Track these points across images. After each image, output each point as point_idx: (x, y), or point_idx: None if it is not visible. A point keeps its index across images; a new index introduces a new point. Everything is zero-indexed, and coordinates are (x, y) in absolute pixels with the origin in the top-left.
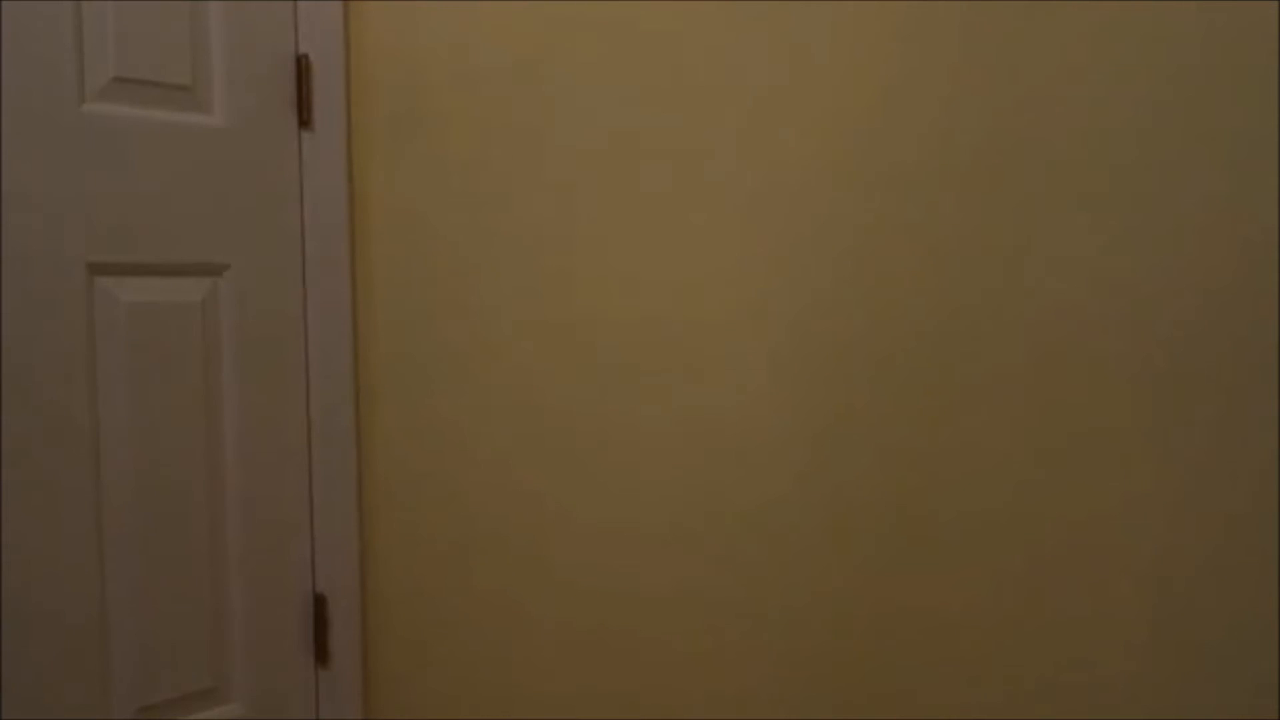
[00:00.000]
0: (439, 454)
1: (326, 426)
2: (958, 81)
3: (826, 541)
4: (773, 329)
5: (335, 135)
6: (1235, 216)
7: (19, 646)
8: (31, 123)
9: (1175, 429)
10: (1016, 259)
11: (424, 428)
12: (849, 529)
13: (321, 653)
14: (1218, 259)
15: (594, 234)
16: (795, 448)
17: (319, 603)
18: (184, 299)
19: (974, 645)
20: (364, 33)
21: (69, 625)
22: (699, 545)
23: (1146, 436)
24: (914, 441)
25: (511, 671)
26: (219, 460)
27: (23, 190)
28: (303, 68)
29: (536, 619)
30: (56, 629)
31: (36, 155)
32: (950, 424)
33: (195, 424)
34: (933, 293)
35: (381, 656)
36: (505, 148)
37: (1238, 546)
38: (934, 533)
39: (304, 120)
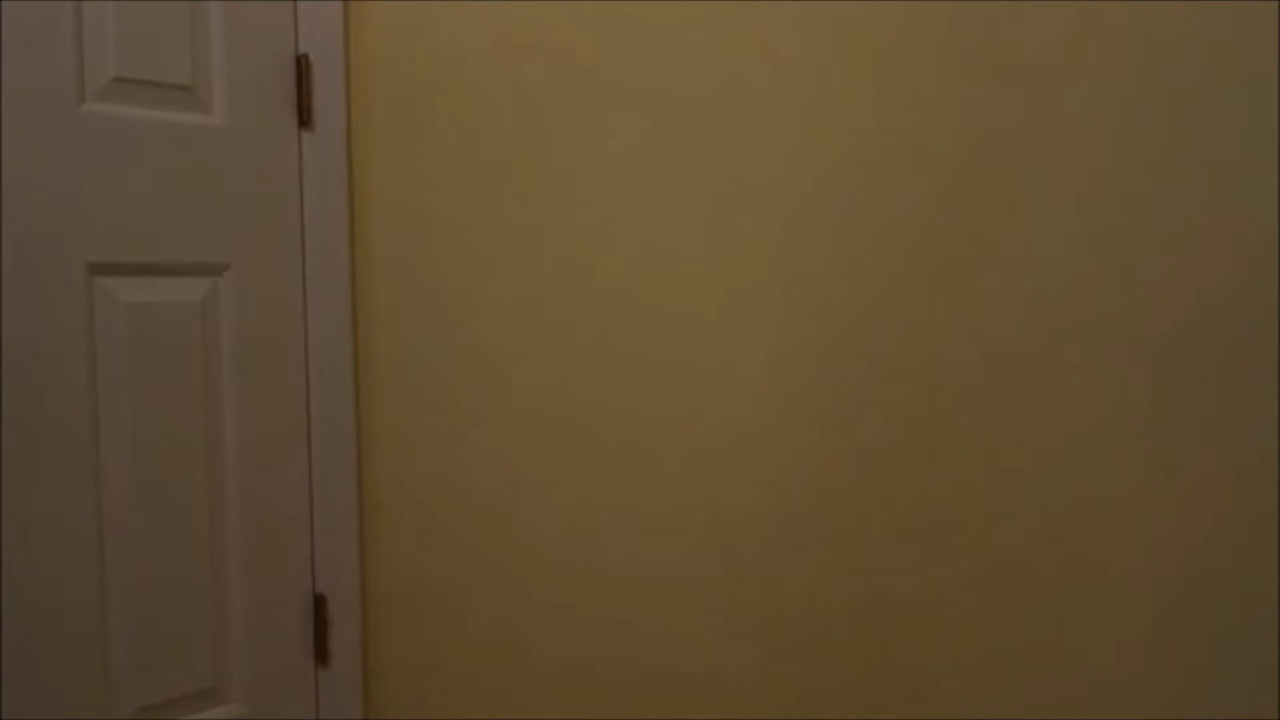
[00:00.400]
0: (439, 454)
1: (326, 426)
2: (951, 79)
3: (824, 535)
4: (770, 325)
5: (335, 135)
6: (1230, 213)
7: (19, 646)
8: (31, 122)
9: (1170, 425)
10: (1009, 255)
11: (424, 427)
12: (844, 522)
13: (321, 653)
14: (1213, 256)
15: (594, 233)
16: (792, 441)
17: (319, 603)
18: (184, 299)
19: (969, 643)
20: (364, 33)
21: (69, 625)
22: (698, 536)
23: (1141, 433)
24: (907, 436)
25: (512, 672)
26: (219, 460)
27: (23, 190)
28: (303, 68)
29: (538, 619)
30: (56, 629)
31: (37, 155)
32: (943, 419)
33: (195, 424)
34: (925, 288)
35: (381, 656)
36: (505, 147)
37: (1236, 543)
38: (927, 529)
39: (304, 120)
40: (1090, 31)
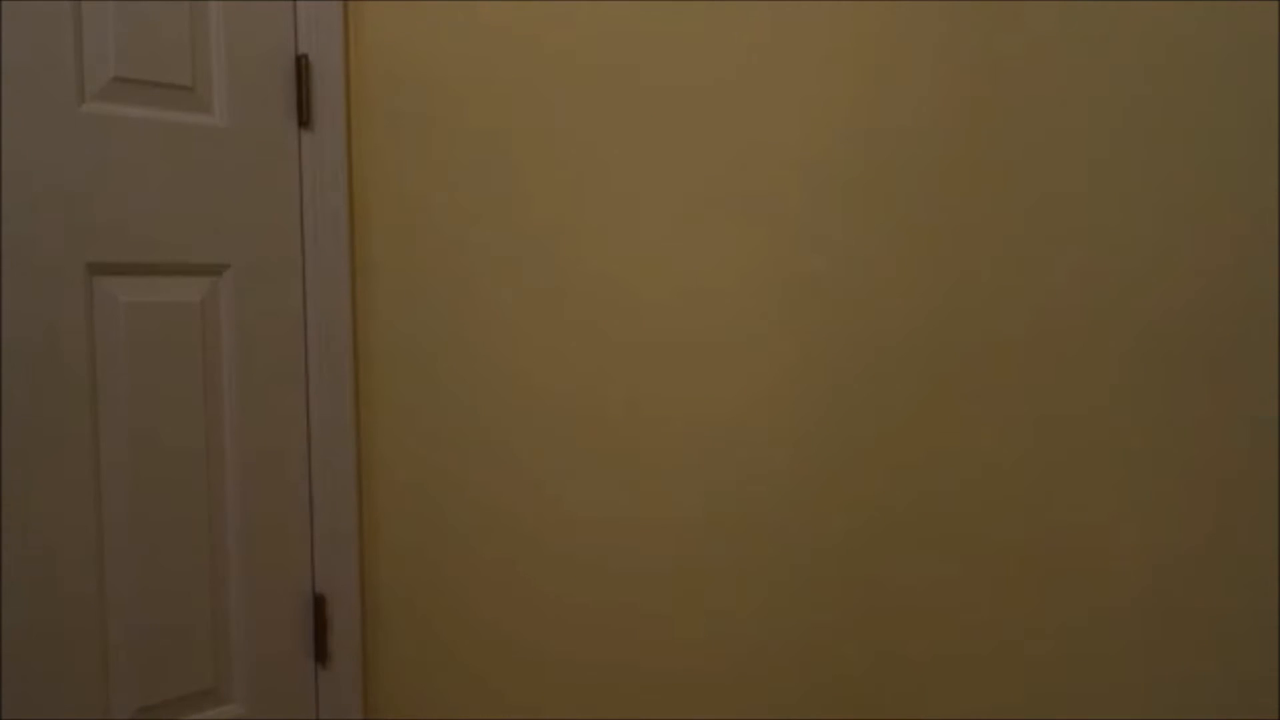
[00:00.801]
0: (439, 454)
1: (326, 425)
2: (951, 77)
3: (825, 531)
4: (772, 323)
5: (335, 135)
6: (1230, 211)
7: (19, 646)
8: (31, 122)
9: (1170, 424)
10: (1009, 253)
11: (424, 427)
12: (844, 518)
13: (321, 653)
14: (1213, 254)
15: (595, 231)
16: (793, 437)
17: (319, 603)
18: (184, 299)
19: (969, 640)
20: (364, 33)
21: (69, 625)
22: (700, 531)
23: (1141, 431)
24: (907, 432)
25: (514, 669)
26: (219, 460)
27: (23, 190)
28: (303, 68)
29: (540, 615)
30: (56, 629)
31: (37, 155)
32: (943, 415)
33: (195, 424)
34: (926, 286)
35: (381, 656)
36: (505, 146)
37: (1236, 542)
38: (927, 525)
39: (304, 120)
40: (1091, 30)
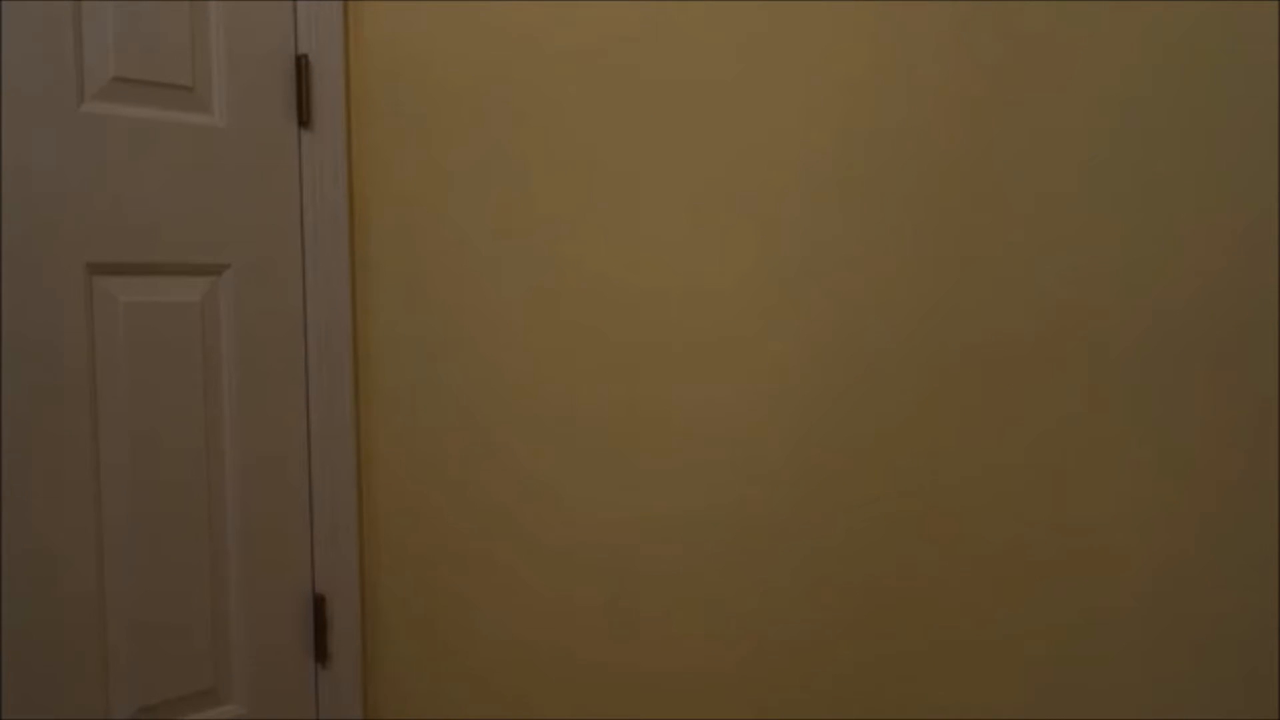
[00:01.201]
0: (439, 453)
1: (326, 425)
2: (951, 76)
3: (825, 529)
4: (773, 321)
5: (335, 135)
6: (1230, 211)
7: (19, 646)
8: (31, 122)
9: (1170, 422)
10: (1009, 252)
11: (424, 427)
12: (844, 517)
13: (321, 653)
14: (1213, 253)
15: (595, 230)
16: (793, 435)
17: (319, 603)
18: (184, 299)
19: (968, 640)
20: (364, 33)
21: (69, 625)
22: (699, 529)
23: (1141, 430)
24: (907, 431)
25: (512, 671)
26: (219, 460)
27: (22, 190)
28: (303, 68)
29: (538, 619)
30: (57, 628)
31: (36, 155)
32: (942, 414)
33: (195, 424)
34: (926, 284)
35: (381, 656)
36: (505, 146)
37: (1236, 541)
38: (926, 524)
39: (304, 120)
40: (1089, 30)
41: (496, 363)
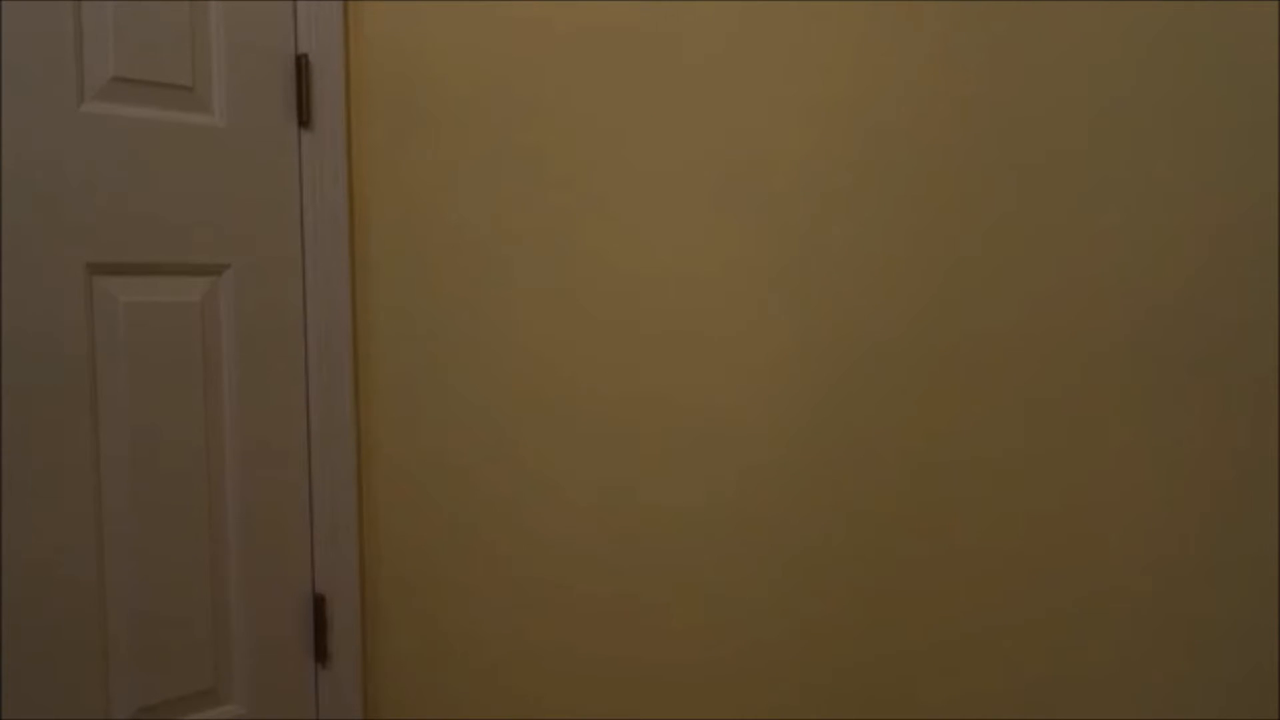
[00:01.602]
0: (439, 455)
1: (326, 426)
2: (952, 75)
3: (825, 524)
4: (775, 314)
5: (335, 135)
6: (1230, 210)
7: (19, 646)
8: (31, 122)
9: (1170, 421)
10: (1010, 251)
11: (424, 425)
12: (844, 511)
13: (321, 653)
14: (1213, 252)
15: (594, 229)
16: (794, 428)
17: (319, 603)
18: (184, 299)
19: (967, 636)
20: (364, 33)
21: (69, 626)
22: (700, 523)
23: (1141, 429)
24: (908, 426)
25: (511, 671)
26: (219, 460)
27: (22, 190)
28: (303, 68)
29: (540, 613)
30: (56, 628)
31: (36, 155)
32: (944, 409)
33: (195, 424)
34: (919, 283)
35: (381, 656)
36: (505, 146)
37: (1236, 541)
38: (927, 519)
39: (304, 120)
40: (1084, 29)
41: (499, 358)
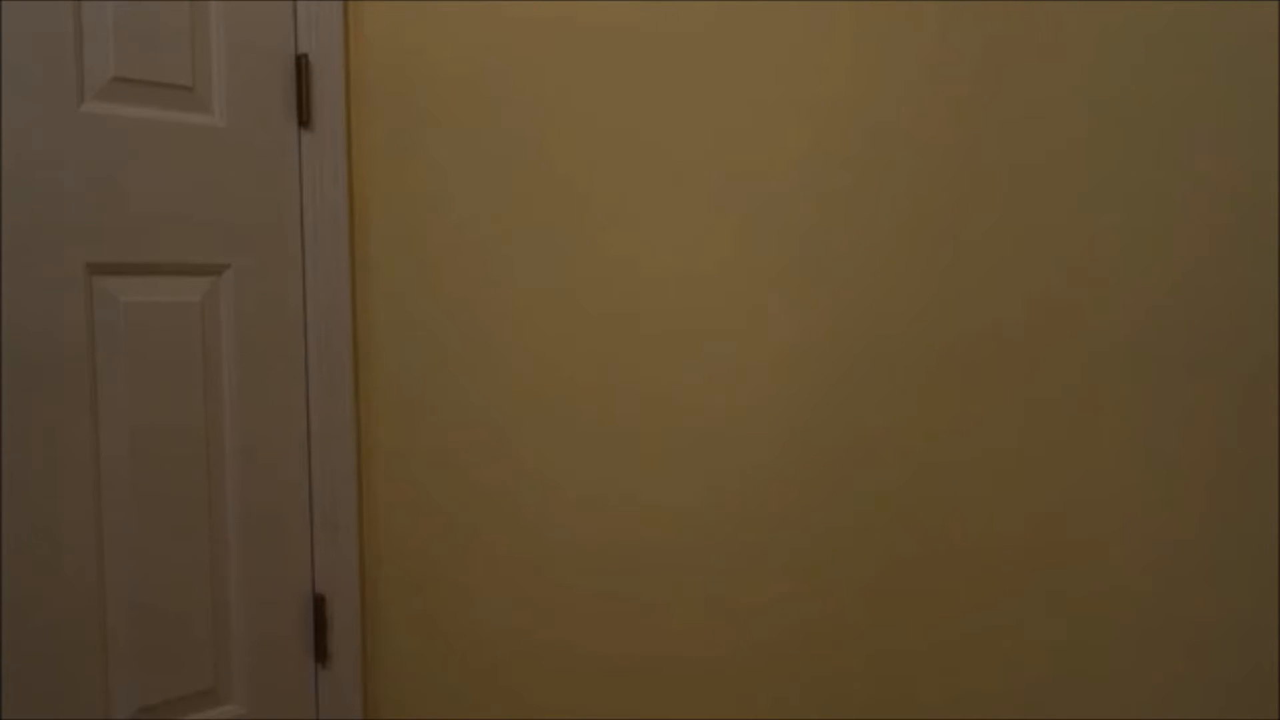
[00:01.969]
0: (439, 454)
1: (326, 425)
2: (942, 75)
3: (824, 522)
4: (775, 312)
5: (335, 135)
6: (1230, 210)
7: (19, 647)
8: (31, 122)
9: (1170, 421)
10: (1010, 250)
11: (425, 425)
12: (841, 509)
13: (321, 653)
14: (1213, 253)
15: (593, 230)
16: (793, 426)
17: (319, 603)
18: (184, 299)
19: (967, 636)
20: (364, 33)
21: (69, 625)
22: (700, 520)
23: (1141, 429)
24: (907, 425)
25: (512, 671)
26: (218, 460)
27: (22, 190)
28: (303, 68)
29: (538, 619)
30: (56, 629)
31: (36, 155)
32: (943, 408)
33: (195, 424)
34: (917, 280)
35: (381, 656)
36: (505, 147)
37: (1236, 541)
38: (926, 518)
39: (304, 120)
40: (1080, 29)
41: (499, 357)
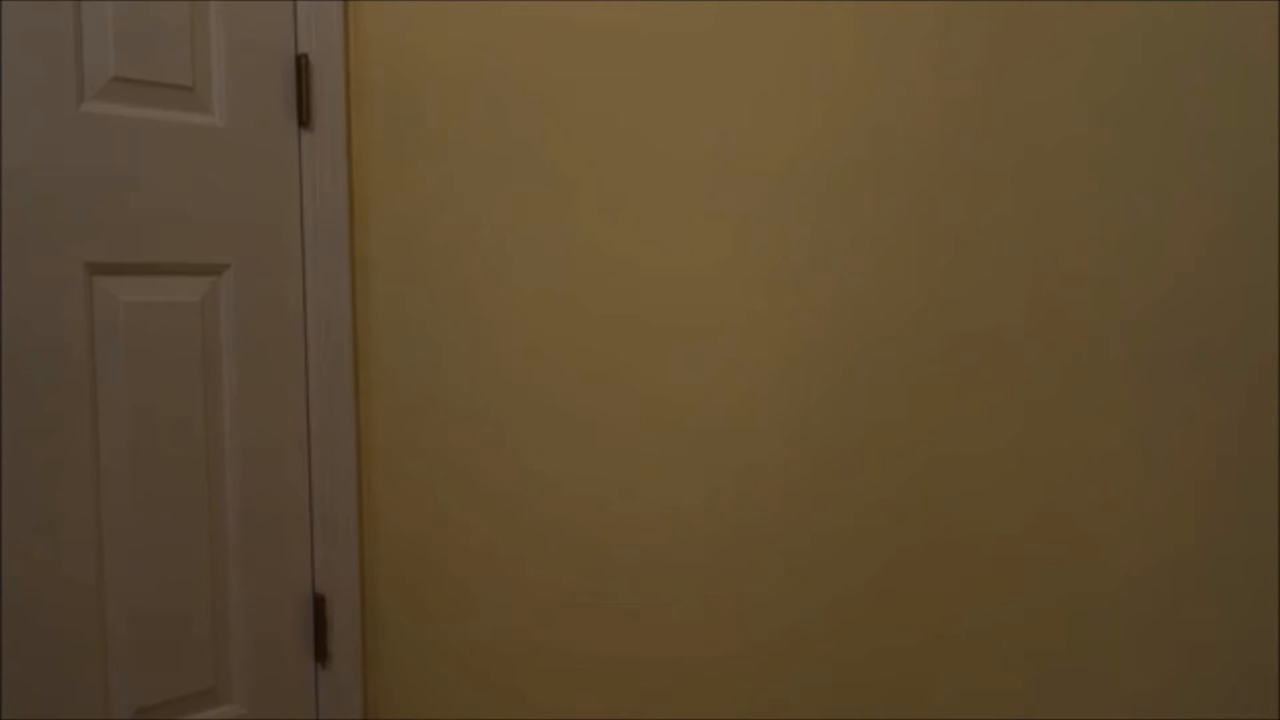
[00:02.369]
0: (439, 454)
1: (326, 426)
2: (939, 76)
3: (823, 521)
4: (775, 311)
5: (335, 135)
6: (1229, 211)
7: (18, 647)
8: (31, 122)
9: (1170, 421)
10: (1010, 251)
11: (425, 424)
12: (838, 509)
13: (321, 653)
14: (1213, 254)
15: (593, 230)
16: (793, 425)
17: (319, 603)
18: (184, 299)
19: (966, 635)
20: (364, 33)
21: (68, 625)
22: (699, 519)
23: (1141, 429)
24: (907, 424)
25: (512, 671)
26: (218, 461)
27: (22, 190)
28: (303, 68)
29: (538, 619)
30: (56, 629)
31: (36, 155)
32: (943, 406)
33: (195, 423)
34: (914, 282)
35: (381, 656)
36: (505, 146)
37: (1236, 541)
38: (925, 517)
39: (304, 120)
40: (1076, 29)
41: (499, 357)
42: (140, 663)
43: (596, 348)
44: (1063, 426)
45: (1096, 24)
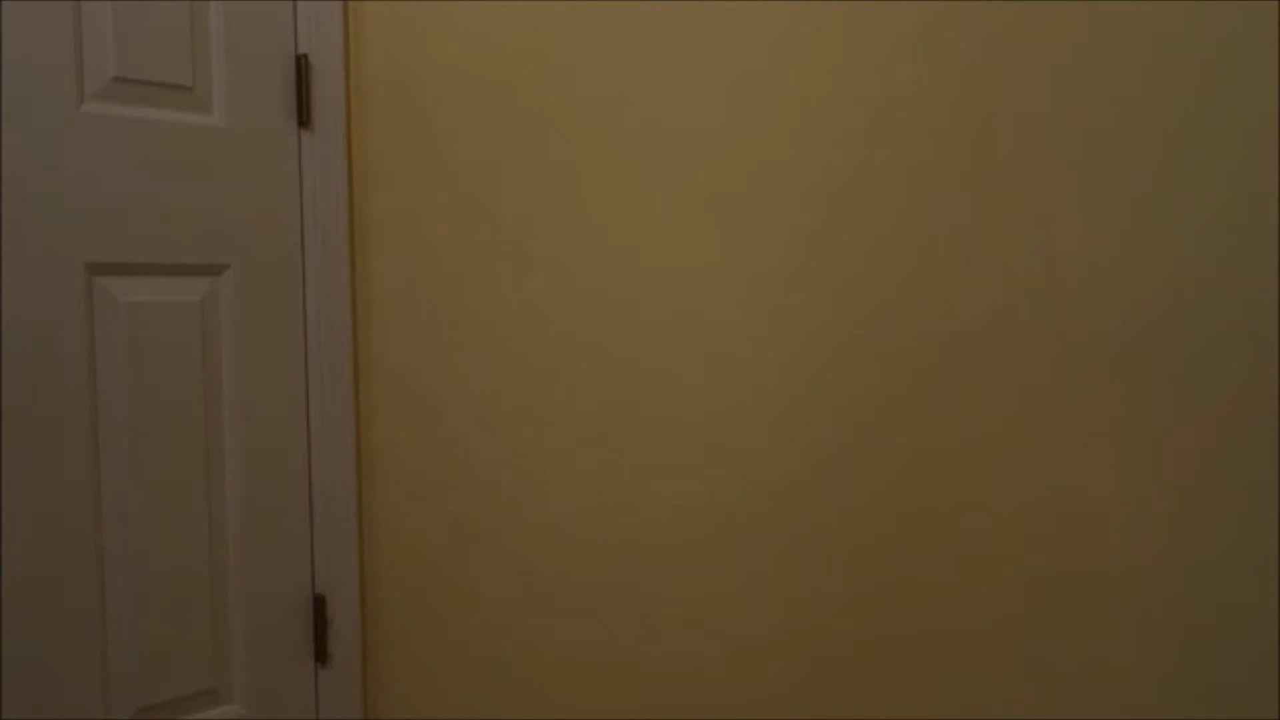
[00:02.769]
0: (438, 453)
1: (326, 425)
2: (930, 79)
3: (822, 520)
4: (774, 310)
5: (335, 135)
6: (1229, 212)
7: (19, 647)
8: (31, 122)
9: (1169, 421)
10: (1010, 252)
11: (424, 426)
12: (833, 504)
13: (321, 653)
14: (1213, 255)
15: (593, 229)
16: (792, 423)
17: (319, 603)
18: (184, 299)
19: (965, 634)
20: (364, 33)
21: (69, 625)
22: (696, 514)
23: (1141, 429)
24: (906, 424)
25: (512, 671)
26: (218, 461)
27: (22, 190)
28: (303, 68)
29: (538, 617)
30: (56, 629)
31: (36, 155)
32: (926, 409)
33: (194, 424)
34: (908, 281)
35: (381, 656)
36: (504, 146)
37: (1235, 541)
38: (924, 517)
39: (304, 120)
40: (1072, 30)
41: (499, 357)
42: (141, 663)
43: (597, 347)
44: (1053, 423)
45: (1088, 22)
